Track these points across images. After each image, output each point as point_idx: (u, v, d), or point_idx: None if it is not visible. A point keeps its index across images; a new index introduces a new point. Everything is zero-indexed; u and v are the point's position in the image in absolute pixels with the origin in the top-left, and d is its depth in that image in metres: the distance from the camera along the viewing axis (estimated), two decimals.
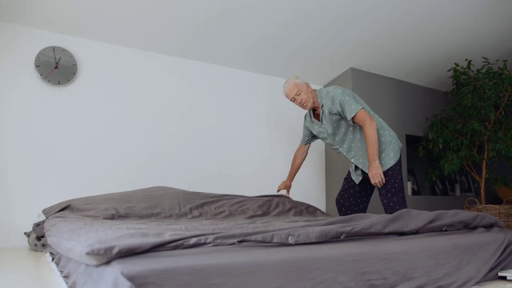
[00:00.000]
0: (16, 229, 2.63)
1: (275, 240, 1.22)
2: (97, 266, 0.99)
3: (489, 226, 1.85)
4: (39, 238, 2.30)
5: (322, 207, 3.99)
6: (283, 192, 3.24)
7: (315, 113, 2.71)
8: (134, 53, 3.26)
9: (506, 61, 3.55)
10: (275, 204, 2.82)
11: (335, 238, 1.34)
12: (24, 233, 2.60)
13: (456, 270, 1.44)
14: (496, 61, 3.67)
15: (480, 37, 3.49)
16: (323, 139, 2.73)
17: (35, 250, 2.38)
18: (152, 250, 1.03)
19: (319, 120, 2.66)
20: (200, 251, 1.08)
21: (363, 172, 2.60)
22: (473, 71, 3.70)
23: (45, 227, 1.89)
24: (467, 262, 1.48)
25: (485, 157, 3.65)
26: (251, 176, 3.67)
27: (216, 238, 1.15)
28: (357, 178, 2.64)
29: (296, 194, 3.68)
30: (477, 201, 3.57)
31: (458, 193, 4.75)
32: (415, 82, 4.30)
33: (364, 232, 1.41)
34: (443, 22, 3.22)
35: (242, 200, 2.78)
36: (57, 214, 2.10)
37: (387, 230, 1.48)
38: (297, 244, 1.24)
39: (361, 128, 2.52)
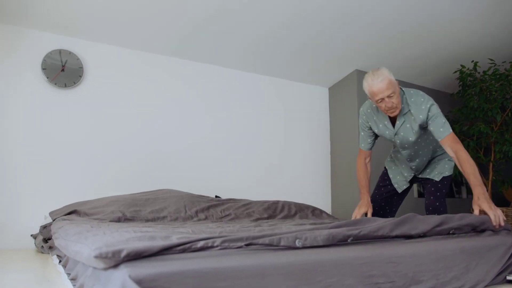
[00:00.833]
0: (23, 230, 2.65)
1: (282, 243, 1.21)
2: (105, 269, 0.99)
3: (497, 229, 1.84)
4: (46, 240, 2.30)
5: (328, 209, 3.98)
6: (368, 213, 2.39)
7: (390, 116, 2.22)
8: (142, 56, 3.27)
9: None
10: (281, 207, 2.82)
11: (342, 241, 1.34)
12: (31, 235, 2.61)
13: (464, 273, 1.43)
14: (503, 62, 3.64)
15: (486, 38, 3.47)
16: (389, 140, 2.38)
17: (42, 252, 2.38)
18: (160, 254, 1.02)
19: (393, 125, 2.23)
20: (208, 254, 1.08)
21: (411, 179, 2.49)
22: (479, 72, 3.67)
23: (52, 230, 1.90)
24: (475, 265, 1.48)
25: (492, 159, 3.63)
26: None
27: (223, 242, 1.15)
28: (401, 186, 2.49)
29: (301, 196, 3.68)
30: None
31: (464, 195, 4.71)
32: (421, 84, 4.28)
33: (371, 235, 1.41)
34: (448, 24, 3.20)
35: (247, 203, 2.78)
36: (64, 217, 2.11)
37: (394, 233, 1.48)
38: (304, 247, 1.24)
39: (434, 140, 2.31)
